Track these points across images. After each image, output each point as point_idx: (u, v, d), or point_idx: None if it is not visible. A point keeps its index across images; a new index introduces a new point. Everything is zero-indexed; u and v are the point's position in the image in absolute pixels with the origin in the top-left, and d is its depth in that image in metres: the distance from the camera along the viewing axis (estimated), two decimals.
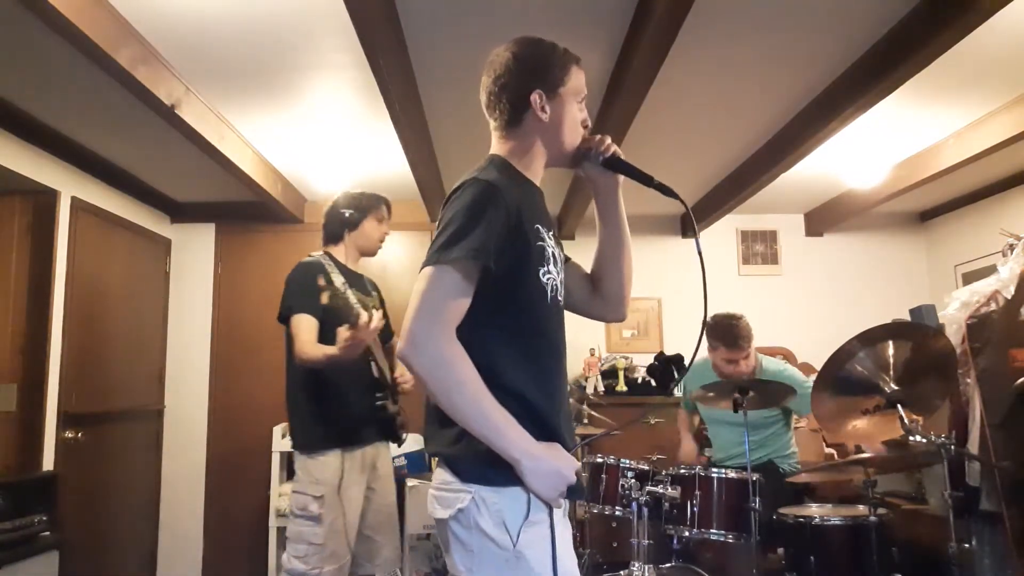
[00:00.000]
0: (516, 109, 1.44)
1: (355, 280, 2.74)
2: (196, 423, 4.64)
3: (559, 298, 1.44)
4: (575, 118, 1.47)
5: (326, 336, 2.45)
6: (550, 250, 1.41)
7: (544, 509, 1.31)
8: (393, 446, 2.80)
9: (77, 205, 3.73)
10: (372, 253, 2.83)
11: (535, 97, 1.42)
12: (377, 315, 2.37)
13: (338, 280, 2.62)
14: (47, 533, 2.99)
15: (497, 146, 1.50)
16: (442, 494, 1.34)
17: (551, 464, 1.29)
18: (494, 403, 1.26)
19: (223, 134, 3.36)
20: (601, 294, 1.59)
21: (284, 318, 2.56)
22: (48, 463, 3.47)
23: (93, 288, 3.88)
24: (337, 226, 2.74)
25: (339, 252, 2.75)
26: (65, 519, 3.23)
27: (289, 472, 4.38)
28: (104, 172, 3.95)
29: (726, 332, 3.12)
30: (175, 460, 4.62)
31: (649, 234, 5.21)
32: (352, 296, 2.64)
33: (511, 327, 1.35)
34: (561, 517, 1.38)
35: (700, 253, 1.43)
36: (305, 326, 2.48)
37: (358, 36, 2.35)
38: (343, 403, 2.55)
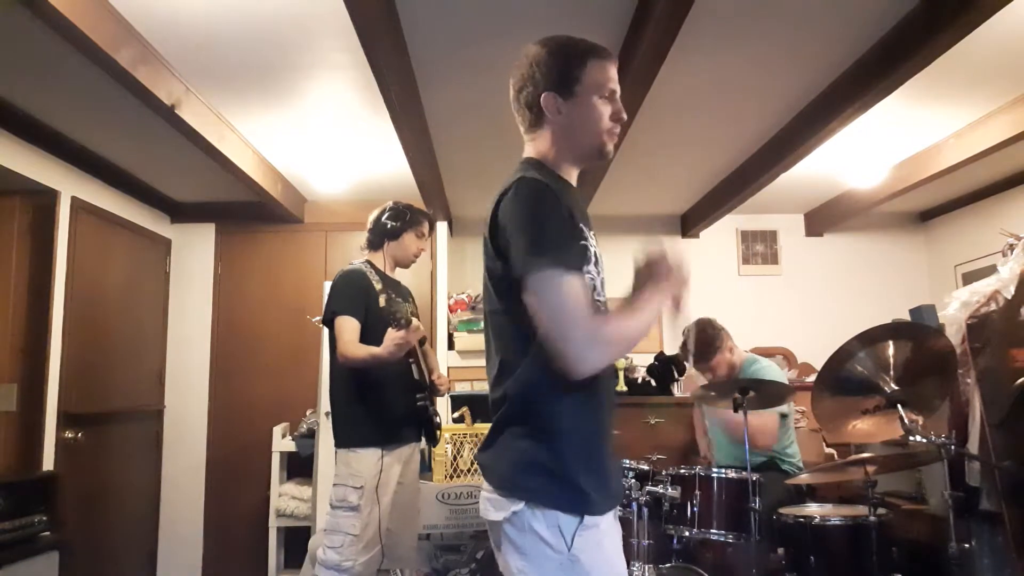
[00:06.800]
0: (533, 112, 1.46)
1: (394, 287, 2.86)
2: (196, 423, 4.63)
3: (599, 299, 1.43)
4: (596, 114, 1.45)
5: (371, 338, 2.56)
6: (592, 248, 1.42)
7: (597, 515, 1.34)
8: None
9: (77, 205, 3.73)
10: (406, 265, 2.95)
11: (548, 100, 1.43)
12: (416, 321, 2.46)
13: (378, 286, 2.74)
14: (47, 533, 2.99)
15: (527, 149, 1.52)
16: (495, 497, 1.37)
17: (664, 292, 1.38)
18: (629, 318, 1.33)
19: (223, 134, 3.36)
20: None
21: (329, 320, 2.66)
22: (48, 463, 3.47)
23: (93, 288, 3.88)
24: (379, 235, 2.87)
25: (378, 260, 2.87)
26: (65, 519, 3.23)
27: (289, 472, 4.38)
28: (104, 172, 3.95)
29: (690, 353, 3.30)
30: (175, 460, 4.61)
31: (649, 234, 5.21)
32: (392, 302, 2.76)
33: None
34: (612, 520, 1.42)
35: None
36: (348, 327, 2.58)
37: (358, 36, 2.35)
38: (386, 403, 2.66)
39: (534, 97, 1.44)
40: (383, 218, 2.85)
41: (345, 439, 2.64)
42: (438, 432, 2.88)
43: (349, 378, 2.65)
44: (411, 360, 2.67)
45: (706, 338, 3.24)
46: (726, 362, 3.26)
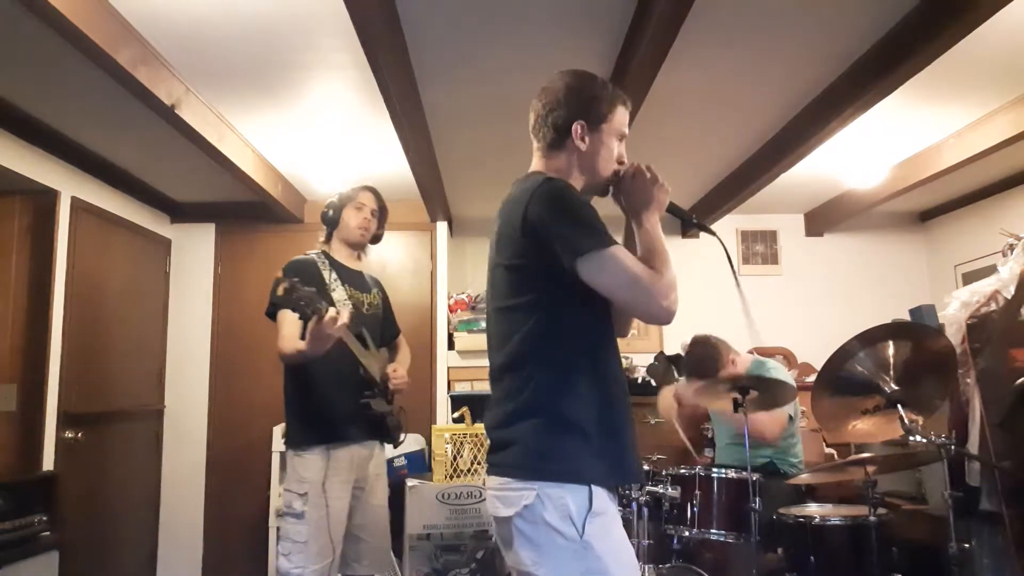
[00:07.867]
0: (559, 134, 1.59)
1: (351, 276, 2.73)
2: (196, 423, 4.63)
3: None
4: (611, 152, 1.62)
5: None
6: None
7: (605, 501, 1.42)
8: (389, 447, 2.76)
9: (77, 205, 3.73)
10: (356, 243, 2.78)
11: (576, 127, 1.57)
12: (345, 311, 2.30)
13: (328, 276, 2.63)
14: (47, 533, 2.99)
15: (539, 164, 1.64)
16: (504, 494, 1.43)
17: (655, 207, 1.58)
18: (660, 252, 1.49)
19: (223, 134, 3.36)
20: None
21: (271, 315, 2.54)
22: (48, 463, 3.47)
23: (93, 288, 3.88)
24: (325, 224, 2.80)
25: (331, 249, 2.78)
26: (65, 519, 3.22)
27: None
28: (104, 172, 3.95)
29: (695, 371, 3.20)
30: (175, 460, 4.61)
31: None
32: (344, 292, 2.64)
33: (589, 319, 1.50)
34: (616, 510, 1.49)
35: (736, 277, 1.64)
36: (287, 320, 2.44)
37: (358, 36, 2.35)
38: (326, 401, 2.54)
39: (565, 121, 1.57)
40: (324, 207, 2.78)
41: (290, 440, 2.56)
42: (396, 432, 2.71)
43: (292, 376, 2.55)
44: (355, 357, 2.49)
45: (705, 360, 3.15)
46: (730, 376, 3.14)
